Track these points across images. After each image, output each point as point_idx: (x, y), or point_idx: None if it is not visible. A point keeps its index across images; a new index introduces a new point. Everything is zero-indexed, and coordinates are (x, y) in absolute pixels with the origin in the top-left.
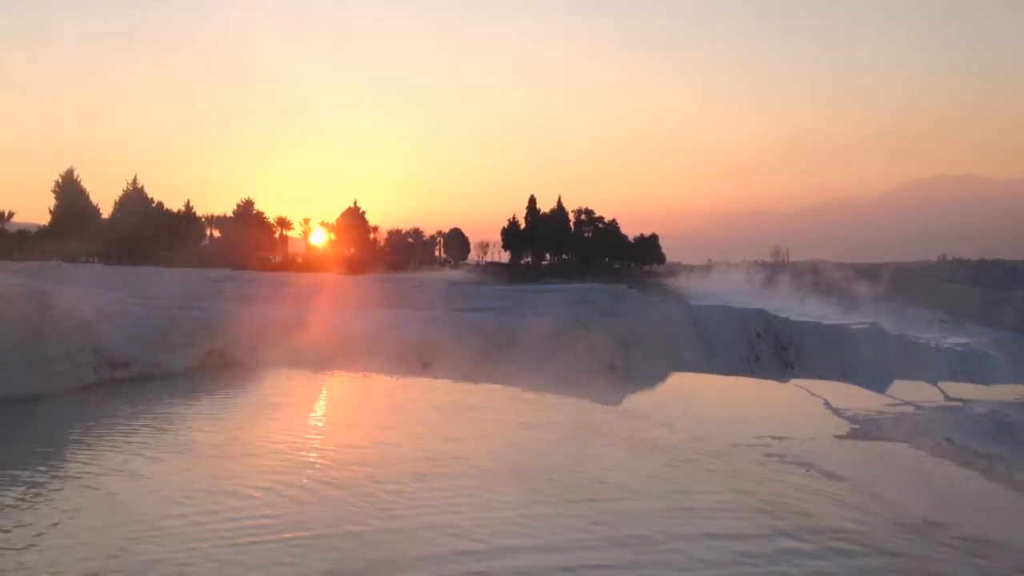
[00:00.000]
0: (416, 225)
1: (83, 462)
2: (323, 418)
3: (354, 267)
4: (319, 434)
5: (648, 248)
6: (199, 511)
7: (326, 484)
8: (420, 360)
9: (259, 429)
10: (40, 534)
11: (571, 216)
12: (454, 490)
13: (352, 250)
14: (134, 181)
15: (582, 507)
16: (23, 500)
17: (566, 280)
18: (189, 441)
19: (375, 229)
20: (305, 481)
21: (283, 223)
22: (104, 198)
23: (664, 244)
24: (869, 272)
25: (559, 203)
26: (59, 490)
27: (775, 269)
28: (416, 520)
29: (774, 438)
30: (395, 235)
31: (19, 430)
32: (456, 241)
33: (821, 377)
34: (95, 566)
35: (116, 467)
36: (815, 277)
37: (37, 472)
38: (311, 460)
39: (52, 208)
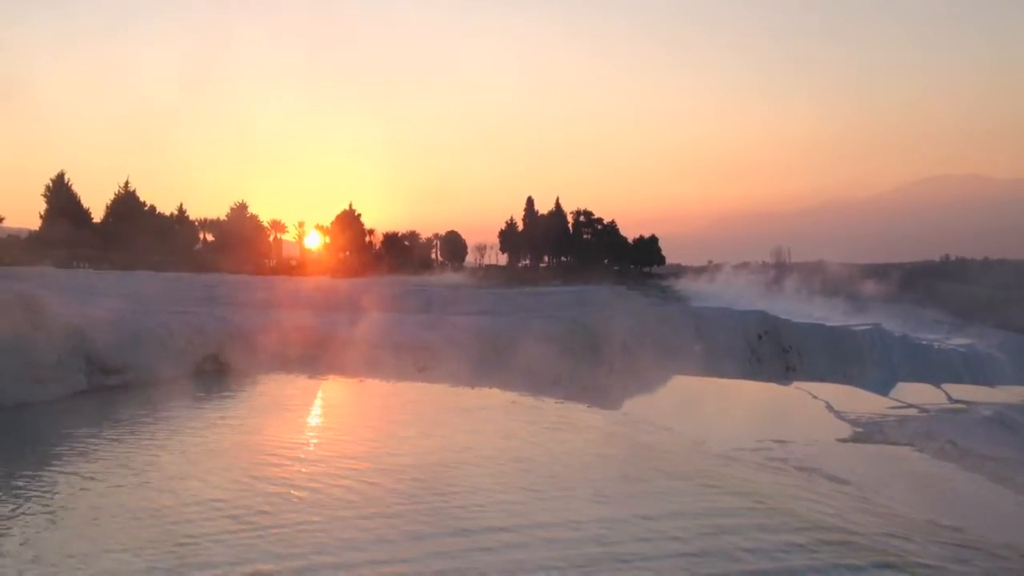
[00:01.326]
0: (412, 227)
1: (101, 463)
2: (331, 421)
3: (350, 271)
4: (330, 436)
5: (648, 250)
6: (236, 509)
7: (356, 482)
8: (416, 364)
9: (265, 432)
10: (82, 526)
11: (570, 218)
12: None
13: (347, 253)
14: (126, 184)
15: (577, 501)
16: (54, 503)
17: (565, 283)
18: (202, 443)
19: (371, 232)
20: (345, 480)
21: (277, 226)
22: (95, 202)
23: (664, 245)
24: (873, 272)
25: (557, 204)
26: (87, 490)
27: (779, 270)
28: (452, 508)
29: (776, 442)
30: (391, 238)
31: (18, 437)
32: (453, 244)
33: (823, 379)
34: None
35: (140, 467)
36: (818, 278)
37: (50, 474)
38: (332, 460)
39: (43, 212)
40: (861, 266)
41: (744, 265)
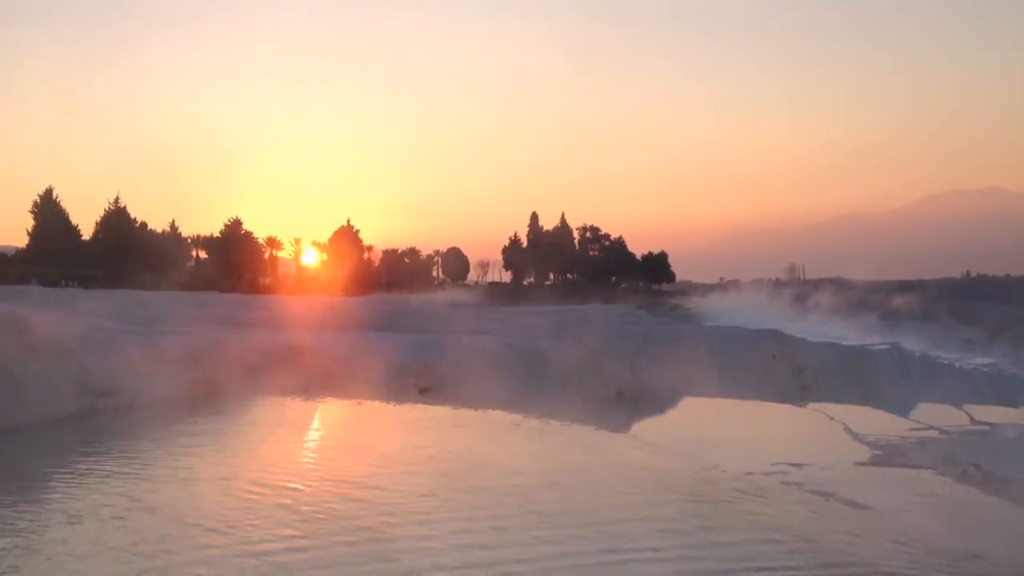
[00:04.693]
0: (412, 244)
1: (91, 490)
2: (329, 445)
3: (348, 288)
4: (329, 460)
5: (657, 266)
6: (233, 533)
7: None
8: (417, 386)
9: (262, 458)
10: (74, 556)
11: (575, 233)
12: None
13: (345, 271)
14: (116, 200)
15: (589, 531)
16: (40, 533)
17: (572, 301)
18: (194, 469)
19: (369, 248)
20: (347, 503)
21: (273, 243)
22: (85, 218)
23: (673, 262)
24: (892, 290)
25: (563, 220)
26: (77, 520)
27: (793, 287)
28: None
29: (792, 465)
30: (390, 255)
31: (3, 464)
32: (455, 260)
33: (840, 401)
34: None
35: (132, 494)
36: (834, 295)
37: (38, 504)
38: (334, 483)
39: (30, 229)
40: (879, 283)
41: (757, 282)
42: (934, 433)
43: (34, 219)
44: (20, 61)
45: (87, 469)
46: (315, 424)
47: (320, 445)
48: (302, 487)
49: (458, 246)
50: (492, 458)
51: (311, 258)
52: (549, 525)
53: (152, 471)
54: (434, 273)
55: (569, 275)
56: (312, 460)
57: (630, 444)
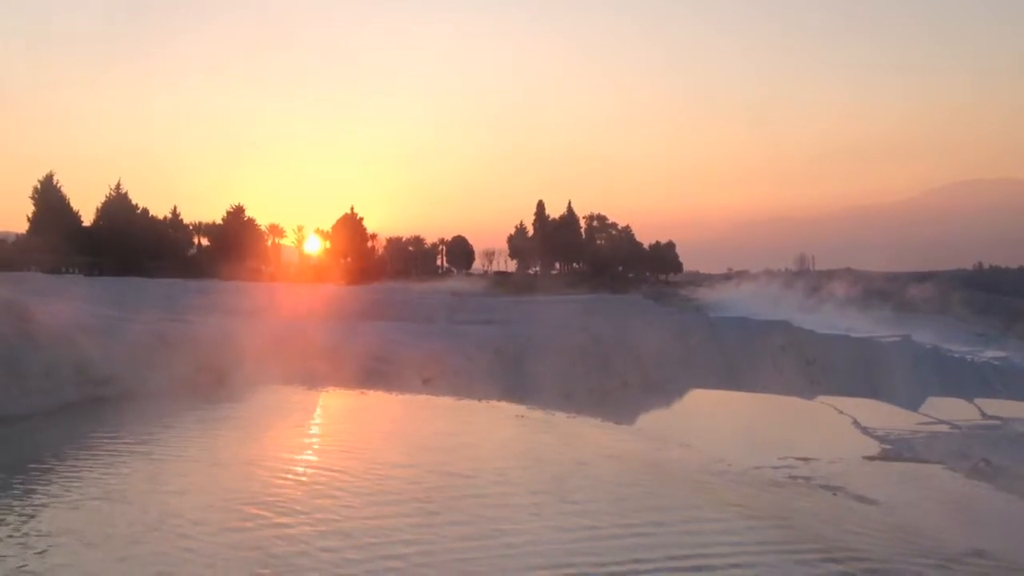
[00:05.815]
0: (417, 232)
1: (94, 479)
2: (332, 434)
3: (351, 277)
4: (333, 449)
5: (664, 256)
6: (235, 525)
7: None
8: (420, 376)
9: (265, 447)
10: (76, 547)
11: (582, 223)
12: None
13: (349, 259)
14: (117, 186)
15: (592, 529)
16: (43, 523)
17: (577, 290)
18: (200, 457)
19: (373, 237)
20: (351, 494)
21: (275, 231)
22: (86, 204)
23: (681, 252)
24: (904, 281)
25: (569, 209)
26: (79, 508)
27: (803, 278)
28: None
29: (799, 459)
30: (394, 243)
31: (5, 453)
32: (460, 249)
33: (849, 394)
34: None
35: (139, 482)
36: (845, 287)
37: (40, 493)
38: (338, 473)
39: (31, 215)
40: (890, 275)
41: (767, 273)
42: (944, 427)
43: (34, 205)
44: (20, 50)
45: (106, 454)
46: (326, 412)
47: (335, 431)
48: (330, 471)
49: (463, 235)
50: (507, 446)
51: (314, 246)
52: (582, 511)
53: (173, 456)
54: (439, 262)
55: (575, 265)
56: (332, 446)
57: (634, 437)
